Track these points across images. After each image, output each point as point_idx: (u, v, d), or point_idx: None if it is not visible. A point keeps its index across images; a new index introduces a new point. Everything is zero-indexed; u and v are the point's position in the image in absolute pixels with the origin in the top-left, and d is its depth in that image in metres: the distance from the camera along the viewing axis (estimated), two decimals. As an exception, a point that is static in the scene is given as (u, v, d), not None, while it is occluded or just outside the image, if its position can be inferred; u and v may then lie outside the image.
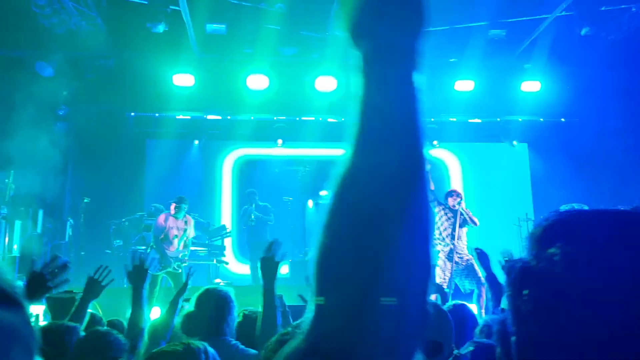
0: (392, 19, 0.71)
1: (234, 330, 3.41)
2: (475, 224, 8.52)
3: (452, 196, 8.58)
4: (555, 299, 0.74)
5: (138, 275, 3.39)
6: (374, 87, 0.70)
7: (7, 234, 9.09)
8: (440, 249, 8.53)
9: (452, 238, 8.41)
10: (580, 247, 0.75)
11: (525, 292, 0.77)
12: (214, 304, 3.38)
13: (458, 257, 8.35)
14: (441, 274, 8.30)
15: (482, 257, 4.53)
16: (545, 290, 0.76)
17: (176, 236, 8.78)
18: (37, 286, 2.87)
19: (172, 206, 8.83)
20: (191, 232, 9.07)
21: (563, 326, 0.73)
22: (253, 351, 3.14)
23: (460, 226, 8.46)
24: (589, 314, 0.71)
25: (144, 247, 10.28)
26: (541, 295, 0.76)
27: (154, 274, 8.59)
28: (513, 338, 0.80)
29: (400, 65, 0.70)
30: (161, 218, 8.86)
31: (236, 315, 3.50)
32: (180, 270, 8.70)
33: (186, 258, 8.88)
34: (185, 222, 8.92)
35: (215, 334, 3.22)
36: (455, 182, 12.95)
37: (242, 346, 3.22)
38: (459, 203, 8.49)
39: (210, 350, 2.17)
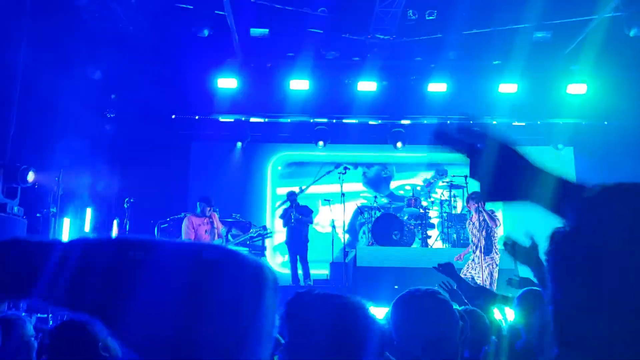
0: None
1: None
2: (495, 224, 8.37)
3: (472, 199, 8.52)
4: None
5: None
6: None
7: (55, 232, 9.36)
8: (474, 255, 8.45)
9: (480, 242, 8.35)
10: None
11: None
12: None
13: (491, 260, 8.27)
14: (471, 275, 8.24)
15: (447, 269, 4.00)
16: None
17: (207, 231, 9.00)
18: None
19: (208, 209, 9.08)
20: (219, 224, 9.23)
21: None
22: None
23: (483, 228, 8.34)
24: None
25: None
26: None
27: None
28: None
29: None
30: (184, 224, 9.08)
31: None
32: None
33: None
34: (209, 216, 9.09)
35: None
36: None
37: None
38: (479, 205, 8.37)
39: None
